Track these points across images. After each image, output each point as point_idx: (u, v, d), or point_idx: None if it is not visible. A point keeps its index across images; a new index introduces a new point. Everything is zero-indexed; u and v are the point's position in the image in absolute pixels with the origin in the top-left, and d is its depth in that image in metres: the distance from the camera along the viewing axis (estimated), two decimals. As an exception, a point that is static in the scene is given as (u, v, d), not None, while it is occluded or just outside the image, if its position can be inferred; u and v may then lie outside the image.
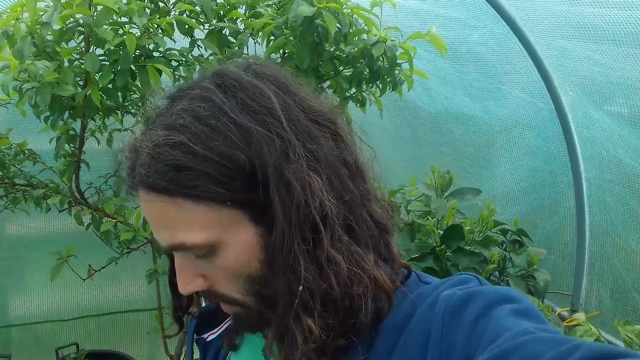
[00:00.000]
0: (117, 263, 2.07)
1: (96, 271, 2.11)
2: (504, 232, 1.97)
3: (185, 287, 0.61)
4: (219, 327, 0.80)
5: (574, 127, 2.11)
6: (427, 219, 1.76)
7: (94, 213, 1.88)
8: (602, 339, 1.52)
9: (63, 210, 1.93)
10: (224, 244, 0.57)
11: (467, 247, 1.77)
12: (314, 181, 0.56)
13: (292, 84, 0.62)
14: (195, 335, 0.81)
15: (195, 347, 0.83)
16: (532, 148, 2.41)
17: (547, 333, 0.49)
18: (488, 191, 2.19)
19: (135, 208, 2.02)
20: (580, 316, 1.50)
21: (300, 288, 0.55)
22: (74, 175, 1.81)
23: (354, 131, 0.66)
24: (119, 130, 2.09)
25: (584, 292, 2.31)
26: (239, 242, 0.58)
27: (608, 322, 2.12)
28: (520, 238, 1.94)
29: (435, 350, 0.54)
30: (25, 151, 2.00)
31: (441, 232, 1.76)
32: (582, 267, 2.28)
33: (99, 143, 2.05)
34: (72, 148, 1.81)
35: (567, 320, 1.66)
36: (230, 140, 0.55)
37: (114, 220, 1.84)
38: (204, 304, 0.81)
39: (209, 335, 0.80)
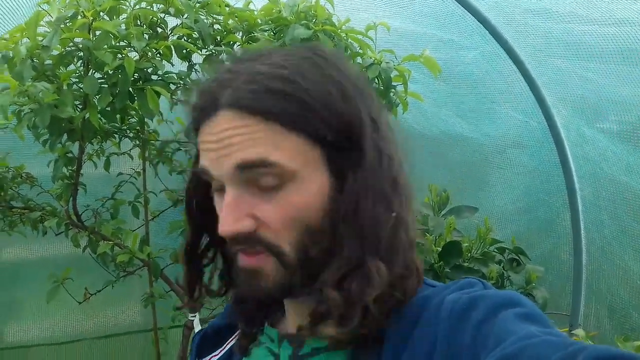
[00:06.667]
0: (113, 286, 2.06)
1: (92, 294, 2.10)
2: (501, 250, 1.97)
3: (234, 224, 0.57)
4: (221, 348, 0.77)
5: (567, 145, 2.13)
6: (425, 236, 1.76)
7: (91, 236, 1.87)
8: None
9: (60, 233, 1.92)
10: (299, 179, 0.57)
11: (466, 264, 1.77)
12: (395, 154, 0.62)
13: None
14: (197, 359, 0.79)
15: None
16: (526, 167, 2.43)
17: (552, 336, 0.48)
18: (484, 211, 2.19)
19: (133, 230, 2.02)
20: (579, 332, 1.49)
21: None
22: (71, 198, 1.81)
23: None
24: (116, 154, 2.10)
25: (582, 311, 2.30)
26: (314, 182, 0.58)
27: (607, 342, 2.11)
28: (518, 256, 1.95)
29: (441, 356, 0.54)
30: (23, 174, 2.00)
31: (439, 250, 1.76)
32: (579, 286, 2.27)
33: (96, 167, 2.06)
34: (69, 171, 1.82)
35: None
36: (334, 89, 0.58)
37: (110, 243, 1.83)
38: (199, 328, 0.79)
39: (211, 358, 0.77)
